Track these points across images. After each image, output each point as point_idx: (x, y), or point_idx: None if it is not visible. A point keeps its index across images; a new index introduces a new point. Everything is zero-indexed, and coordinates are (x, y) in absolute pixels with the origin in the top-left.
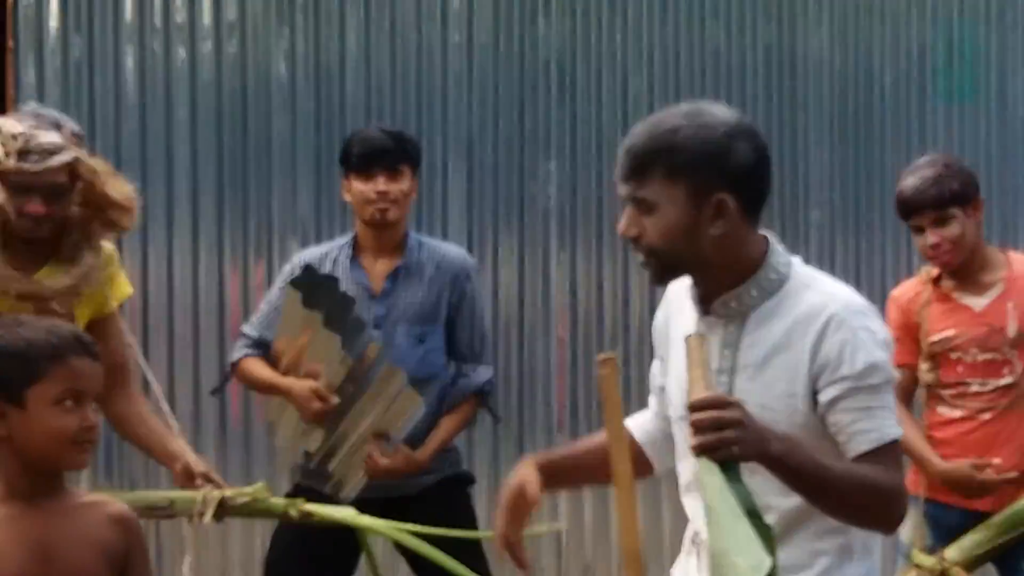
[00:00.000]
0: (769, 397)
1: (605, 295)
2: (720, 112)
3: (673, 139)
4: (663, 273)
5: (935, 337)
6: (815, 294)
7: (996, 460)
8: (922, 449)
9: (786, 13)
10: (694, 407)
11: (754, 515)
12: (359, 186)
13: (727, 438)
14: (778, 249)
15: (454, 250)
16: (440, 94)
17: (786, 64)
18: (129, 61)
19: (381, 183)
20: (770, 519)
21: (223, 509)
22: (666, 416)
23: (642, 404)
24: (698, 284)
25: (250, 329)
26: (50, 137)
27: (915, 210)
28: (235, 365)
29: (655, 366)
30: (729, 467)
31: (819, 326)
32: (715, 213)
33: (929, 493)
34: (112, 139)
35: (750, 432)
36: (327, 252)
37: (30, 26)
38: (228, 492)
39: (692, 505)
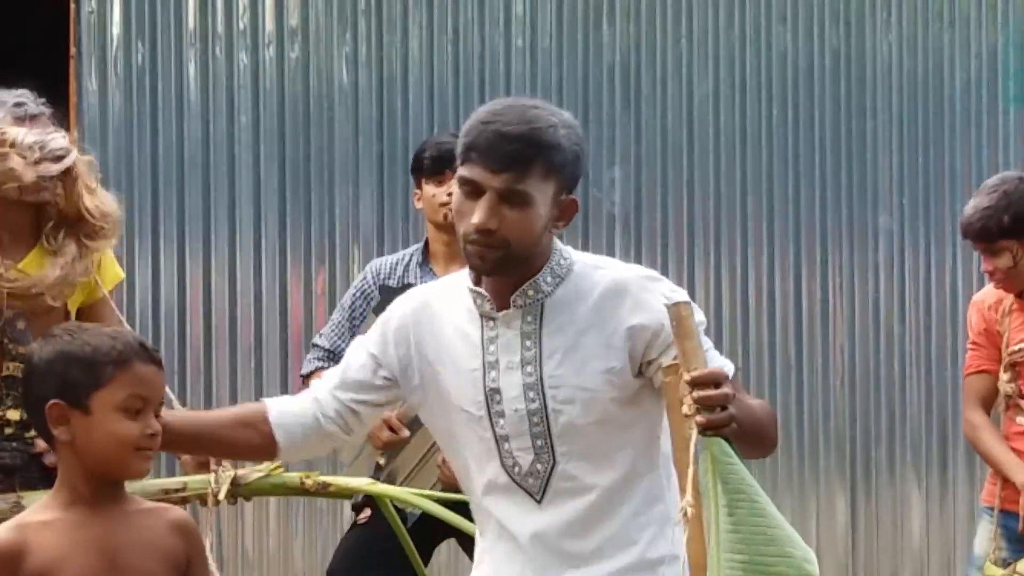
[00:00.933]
0: (584, 377)
1: None
2: (567, 113)
3: (555, 137)
4: (500, 265)
5: (1016, 347)
6: (610, 271)
7: None
8: (1006, 458)
9: (854, 17)
10: (701, 382)
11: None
12: (431, 189)
13: (730, 414)
14: (557, 239)
15: None
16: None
17: (854, 68)
18: (192, 68)
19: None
20: (592, 498)
21: (237, 488)
22: (430, 409)
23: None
24: (503, 279)
25: (322, 340)
26: (58, 141)
27: (967, 237)
28: (307, 377)
29: (363, 356)
30: (731, 444)
31: (630, 300)
32: (561, 213)
33: (1004, 504)
34: (175, 146)
35: (738, 403)
36: (400, 259)
37: (93, 33)
38: (241, 471)
39: (496, 505)
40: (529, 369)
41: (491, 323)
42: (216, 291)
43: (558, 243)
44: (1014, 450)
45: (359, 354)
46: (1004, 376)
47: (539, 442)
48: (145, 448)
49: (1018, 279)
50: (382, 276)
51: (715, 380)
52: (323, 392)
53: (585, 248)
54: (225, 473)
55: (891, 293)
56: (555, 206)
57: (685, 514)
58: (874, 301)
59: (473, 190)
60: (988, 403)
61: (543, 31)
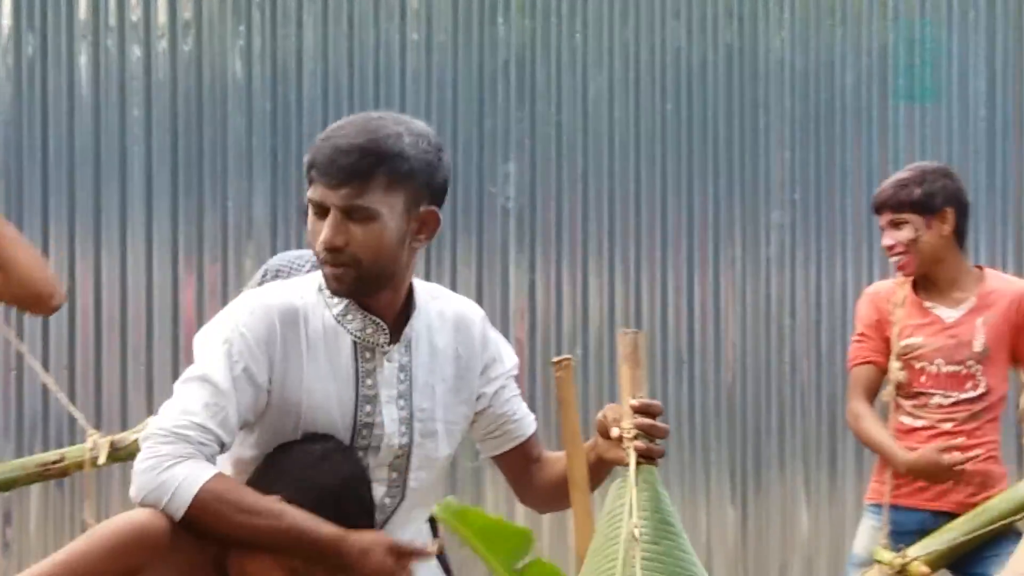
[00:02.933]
0: (446, 410)
1: (564, 297)
2: (420, 122)
3: (398, 147)
4: (356, 286)
5: (904, 342)
6: (451, 302)
7: (959, 439)
8: (888, 443)
9: (747, 14)
10: (649, 411)
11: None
12: None
13: (663, 450)
14: None
15: None
16: (398, 94)
17: (747, 64)
18: (83, 60)
19: None
20: (419, 533)
21: (117, 451)
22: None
23: (600, 405)
24: (374, 301)
25: None
26: None
27: (876, 208)
28: None
29: (249, 394)
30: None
31: (478, 330)
32: (420, 227)
33: (892, 500)
34: (65, 139)
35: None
36: (300, 256)
37: None
38: (118, 436)
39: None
40: (402, 403)
41: (368, 353)
42: (107, 285)
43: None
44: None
45: (245, 392)
46: (895, 364)
47: (395, 475)
48: None
49: (919, 256)
50: (280, 276)
51: (659, 412)
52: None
53: (480, 243)
54: (103, 439)
55: (782, 288)
56: (411, 219)
57: (634, 537)
58: (765, 296)
59: (320, 210)
60: (872, 394)
61: (438, 25)
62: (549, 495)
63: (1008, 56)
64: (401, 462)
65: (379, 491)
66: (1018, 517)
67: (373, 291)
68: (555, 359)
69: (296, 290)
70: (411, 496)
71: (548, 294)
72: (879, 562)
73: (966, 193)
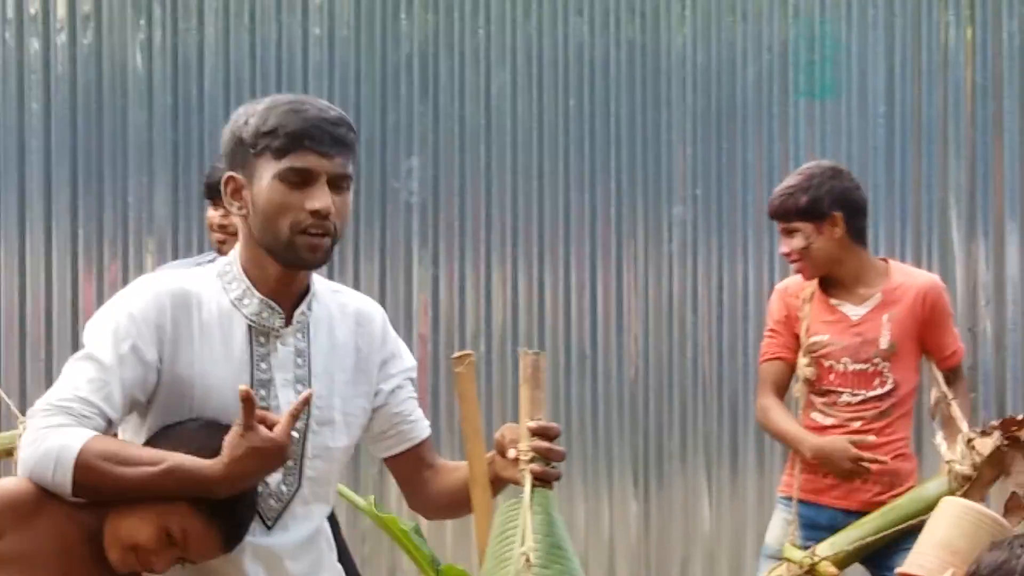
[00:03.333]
0: (343, 400)
1: (467, 292)
2: None
3: (355, 128)
4: (326, 256)
5: (815, 338)
6: (353, 297)
7: (871, 438)
8: (795, 430)
9: (649, 10)
10: (547, 434)
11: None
12: (210, 212)
13: (560, 474)
14: None
15: None
16: (300, 88)
17: (649, 60)
18: None
19: None
20: (313, 525)
21: None
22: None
23: (502, 401)
24: (296, 286)
25: None
26: None
27: (770, 216)
28: None
29: (137, 370)
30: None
31: (379, 325)
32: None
33: (802, 495)
34: None
35: None
36: (197, 264)
37: None
38: None
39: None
40: (299, 388)
41: (262, 338)
42: (4, 283)
43: None
44: None
45: (133, 369)
46: (803, 361)
47: (291, 463)
48: None
49: (812, 263)
50: None
51: (556, 434)
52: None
53: (383, 238)
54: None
55: (684, 283)
56: None
57: (528, 559)
58: (667, 291)
59: (302, 179)
60: (781, 390)
61: (341, 19)
62: (441, 504)
63: (906, 53)
64: (296, 449)
65: (275, 478)
66: (925, 517)
67: (324, 263)
68: (456, 354)
69: (190, 276)
70: (307, 484)
71: (451, 289)
72: (788, 560)
73: (857, 191)
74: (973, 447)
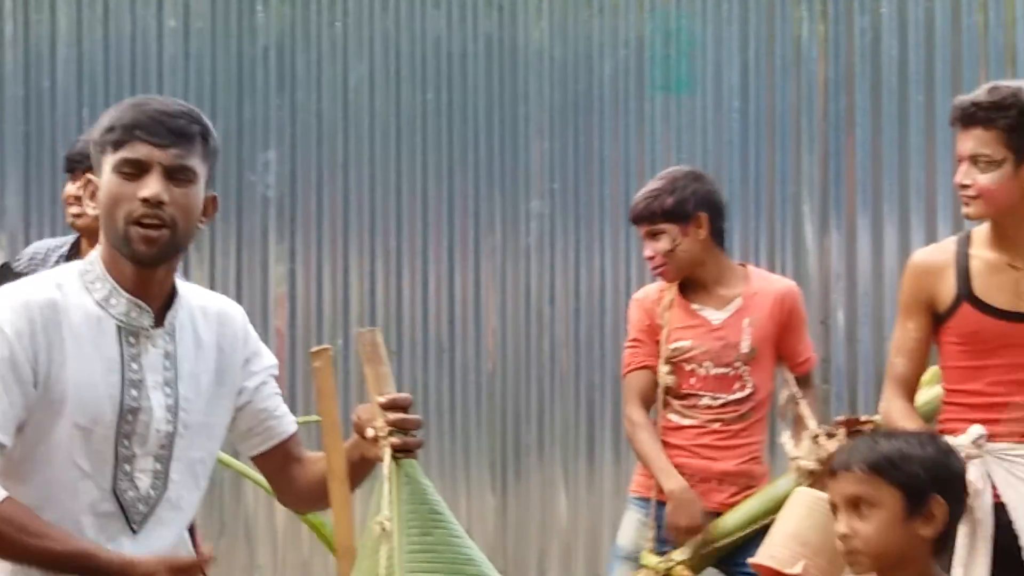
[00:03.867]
0: (207, 402)
1: (324, 286)
2: None
3: (207, 124)
4: (168, 250)
5: (673, 345)
6: (212, 299)
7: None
8: (662, 462)
9: (507, 4)
10: (396, 406)
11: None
12: (68, 187)
13: (421, 442)
14: None
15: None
16: (155, 81)
17: (507, 54)
18: None
19: None
20: (178, 528)
21: None
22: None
23: (361, 395)
24: (156, 279)
25: None
26: None
27: (633, 220)
28: None
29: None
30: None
31: (240, 324)
32: (206, 207)
33: (659, 496)
34: None
35: None
36: (58, 246)
37: None
38: None
39: (87, 530)
40: (168, 390)
41: (132, 338)
42: None
43: None
44: (667, 444)
45: (15, 388)
46: (664, 369)
47: (159, 466)
48: None
49: (676, 266)
50: (35, 261)
51: (408, 404)
52: None
53: (239, 232)
54: None
55: (542, 276)
56: (204, 197)
57: (383, 528)
58: (525, 284)
59: (136, 171)
60: (649, 400)
61: (196, 12)
62: (309, 495)
63: (760, 48)
64: (165, 452)
65: (145, 481)
66: (768, 520)
67: (168, 259)
68: (314, 349)
69: (53, 281)
70: (172, 488)
71: (308, 283)
72: (645, 566)
73: (719, 193)
74: (819, 443)
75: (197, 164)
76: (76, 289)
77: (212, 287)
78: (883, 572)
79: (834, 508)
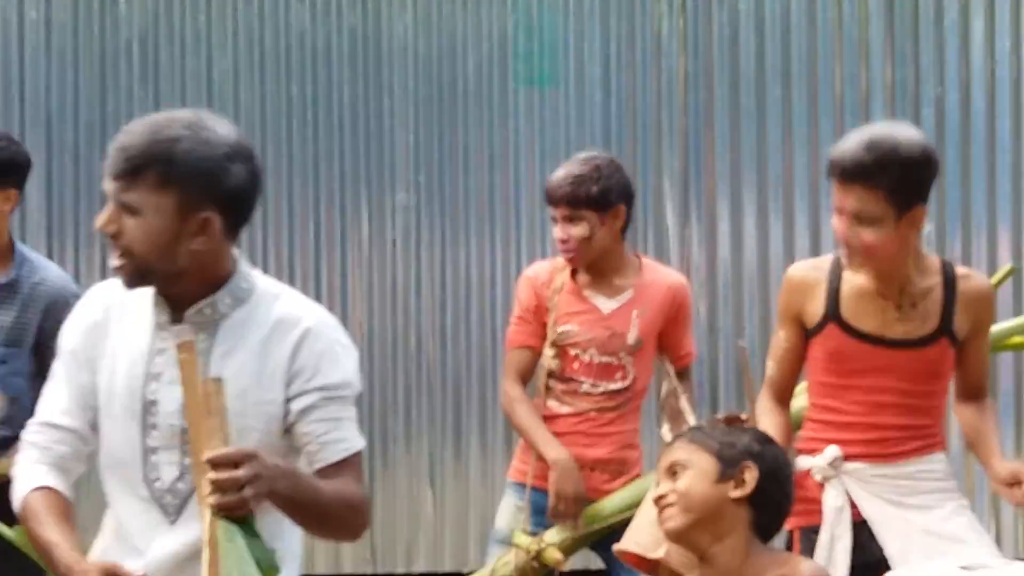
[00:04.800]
0: (245, 406)
1: None
2: (223, 129)
3: (172, 150)
4: (135, 277)
5: (561, 328)
6: (288, 304)
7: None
8: (540, 433)
9: None
10: (215, 463)
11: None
12: None
13: (247, 496)
14: (243, 261)
15: (55, 273)
16: (17, 73)
17: (371, 47)
18: None
19: None
20: None
21: None
22: (89, 422)
23: None
24: (166, 292)
25: None
26: None
27: (552, 202)
28: None
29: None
30: (246, 520)
31: (297, 336)
32: (199, 229)
33: (534, 482)
34: None
35: (264, 482)
36: None
37: None
38: None
39: (128, 514)
40: None
41: (163, 334)
42: None
43: (244, 266)
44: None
45: (78, 376)
46: (549, 352)
47: (187, 460)
48: None
49: (588, 252)
50: None
51: (232, 461)
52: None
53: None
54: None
55: (408, 269)
56: (186, 221)
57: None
58: (391, 276)
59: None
60: (526, 377)
61: (58, 3)
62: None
63: (621, 42)
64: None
65: (171, 474)
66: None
67: (157, 283)
68: (179, 341)
69: (107, 291)
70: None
71: None
72: (517, 546)
73: (633, 185)
74: None
75: (142, 197)
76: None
77: (77, 283)
78: (694, 530)
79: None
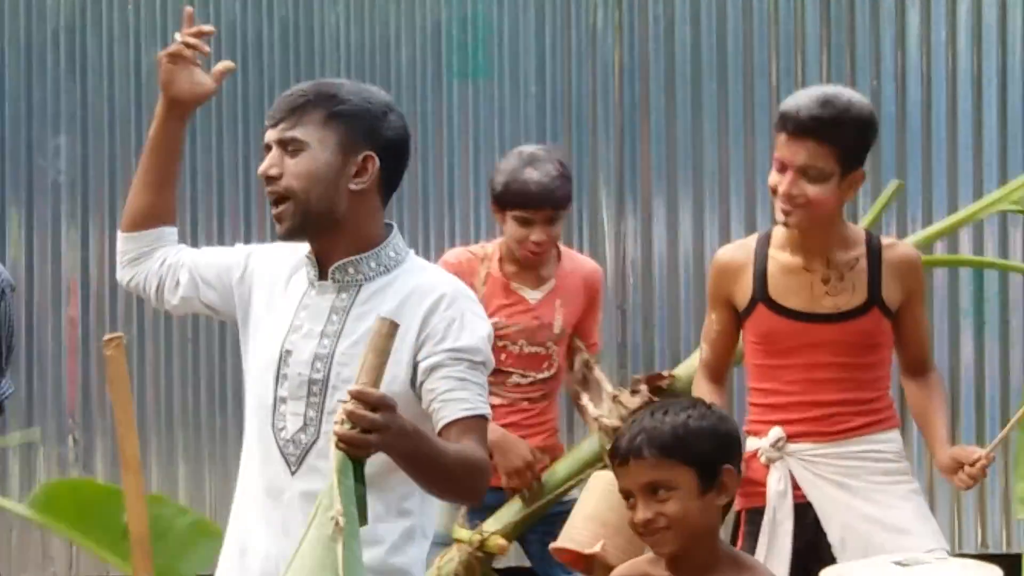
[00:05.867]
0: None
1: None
2: (377, 89)
3: (338, 90)
4: (295, 219)
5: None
6: (428, 275)
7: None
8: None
9: None
10: (359, 397)
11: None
12: None
13: (371, 441)
14: (399, 235)
15: None
16: None
17: (303, 38)
18: None
19: None
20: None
21: None
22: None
23: (156, 384)
24: (319, 245)
25: None
26: None
27: (532, 205)
28: None
29: (238, 255)
30: (358, 465)
31: (430, 302)
32: (359, 169)
33: None
34: None
35: (390, 435)
36: None
37: None
38: None
39: (253, 459)
40: (326, 342)
41: (312, 290)
42: None
43: (398, 239)
44: None
45: (235, 253)
46: None
47: (311, 413)
48: None
49: (551, 250)
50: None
51: (373, 402)
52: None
53: (30, 218)
54: None
55: None
56: (347, 159)
57: (337, 524)
58: None
59: (267, 150)
60: None
61: None
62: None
63: (556, 35)
64: (317, 401)
65: (294, 425)
66: (575, 482)
67: (314, 231)
68: (106, 337)
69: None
70: (325, 438)
71: (102, 270)
72: (459, 540)
73: None
74: (619, 402)
75: (308, 132)
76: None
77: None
78: (686, 546)
79: (626, 494)
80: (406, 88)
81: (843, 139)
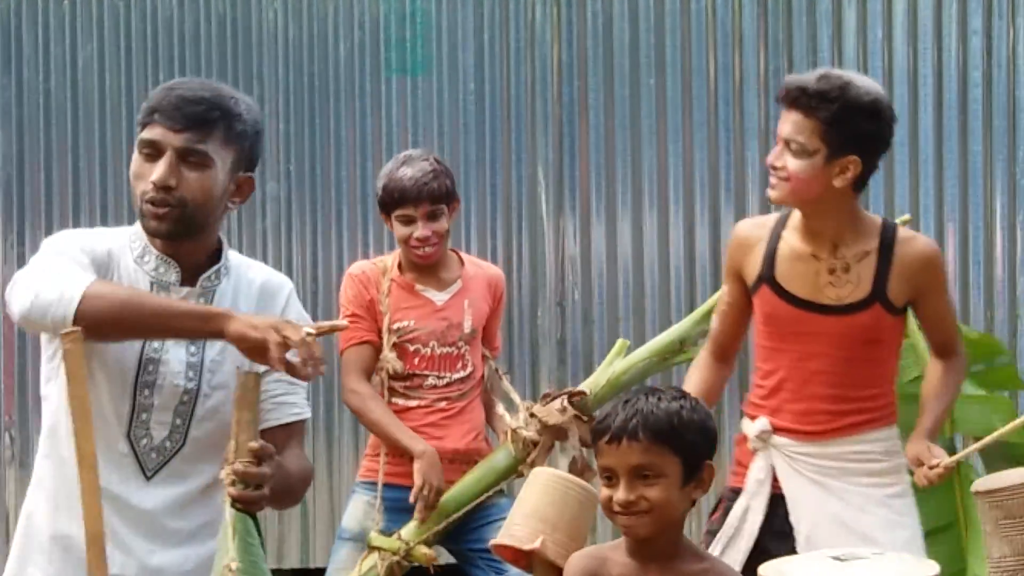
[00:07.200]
0: (228, 376)
1: None
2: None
3: (237, 108)
4: (176, 227)
5: (397, 324)
6: (262, 271)
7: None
8: (400, 431)
9: None
10: (256, 455)
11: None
12: None
13: (265, 494)
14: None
15: None
16: None
17: (240, 34)
18: None
19: None
20: (200, 483)
21: None
22: None
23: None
24: (185, 249)
25: None
26: None
27: (409, 201)
28: None
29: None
30: (253, 517)
31: (282, 301)
32: (238, 188)
33: (387, 479)
34: None
35: (275, 480)
36: None
37: None
38: None
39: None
40: (193, 349)
41: (163, 294)
42: None
43: (221, 236)
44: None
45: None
46: (391, 355)
47: (178, 421)
48: None
49: (443, 246)
50: None
51: (261, 456)
52: None
53: None
54: None
55: (279, 259)
56: (232, 179)
57: (230, 570)
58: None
59: (153, 152)
60: (368, 374)
61: None
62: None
63: (495, 31)
64: (186, 408)
65: (160, 433)
66: (498, 487)
67: (185, 235)
68: (64, 331)
69: (111, 236)
70: (192, 444)
71: None
72: (379, 548)
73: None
74: (534, 415)
75: (214, 149)
76: (122, 245)
77: None
78: (658, 533)
79: (609, 472)
80: (345, 84)
81: (828, 116)
